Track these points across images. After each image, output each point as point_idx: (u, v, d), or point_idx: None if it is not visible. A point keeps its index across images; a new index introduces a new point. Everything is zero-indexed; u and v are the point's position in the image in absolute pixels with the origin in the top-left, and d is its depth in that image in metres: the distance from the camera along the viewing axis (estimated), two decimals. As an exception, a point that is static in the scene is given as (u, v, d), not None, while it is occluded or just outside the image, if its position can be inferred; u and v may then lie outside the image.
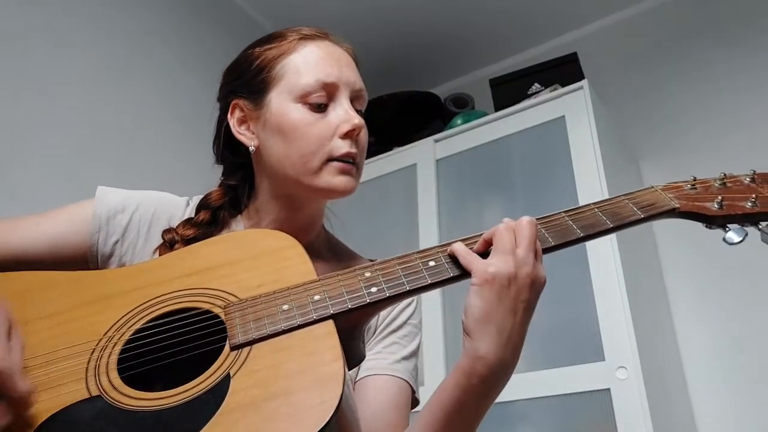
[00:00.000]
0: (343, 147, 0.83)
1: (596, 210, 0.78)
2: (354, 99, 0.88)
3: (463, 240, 0.75)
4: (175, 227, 0.88)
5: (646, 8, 2.65)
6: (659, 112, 2.46)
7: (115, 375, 0.65)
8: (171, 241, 0.85)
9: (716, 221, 0.76)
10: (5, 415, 0.58)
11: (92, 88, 1.91)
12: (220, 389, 0.61)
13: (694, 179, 0.80)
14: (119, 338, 0.68)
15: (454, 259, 0.73)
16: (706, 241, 2.18)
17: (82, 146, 1.82)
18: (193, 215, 0.90)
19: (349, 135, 0.84)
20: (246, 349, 0.65)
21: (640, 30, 2.64)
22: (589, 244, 1.87)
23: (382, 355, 0.86)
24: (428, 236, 2.22)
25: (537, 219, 0.75)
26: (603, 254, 1.83)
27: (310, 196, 0.87)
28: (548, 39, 2.83)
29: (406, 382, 0.87)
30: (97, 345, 0.68)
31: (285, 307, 0.68)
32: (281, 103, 0.85)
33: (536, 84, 2.29)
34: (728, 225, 0.76)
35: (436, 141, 2.38)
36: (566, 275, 1.85)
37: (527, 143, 2.18)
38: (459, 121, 2.42)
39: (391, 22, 2.72)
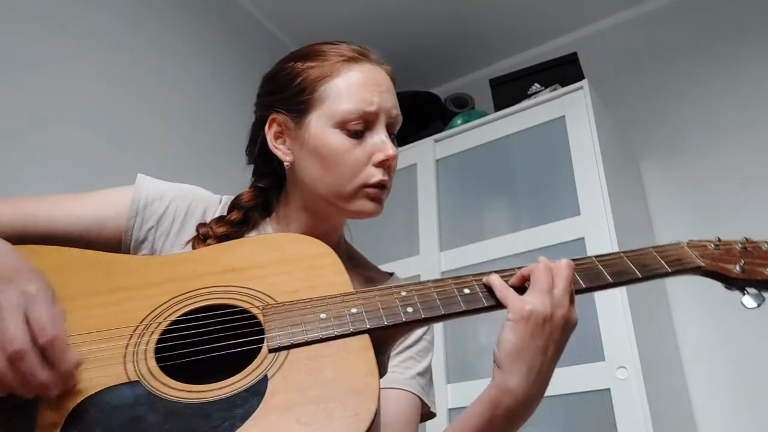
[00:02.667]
0: (377, 175, 0.86)
1: (625, 258, 0.81)
2: (390, 124, 0.90)
3: (498, 272, 0.77)
4: (208, 223, 0.90)
5: (646, 9, 2.66)
6: (659, 112, 2.46)
7: (153, 363, 0.66)
8: (205, 235, 0.88)
9: (736, 284, 0.81)
10: (55, 386, 0.59)
11: (105, 87, 1.91)
12: (258, 389, 0.62)
13: (718, 240, 0.86)
14: (156, 327, 0.69)
15: (489, 289, 0.76)
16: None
17: (96, 144, 1.82)
18: (225, 213, 0.93)
19: (383, 164, 0.87)
20: (283, 353, 0.66)
21: (640, 30, 2.65)
22: (589, 244, 1.87)
23: (399, 369, 0.88)
24: (428, 236, 2.22)
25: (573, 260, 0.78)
26: (603, 254, 1.83)
27: (340, 215, 0.91)
28: (548, 39, 2.83)
29: (418, 397, 0.89)
30: (134, 331, 0.69)
31: (323, 316, 0.69)
32: (320, 127, 0.87)
33: (536, 84, 2.29)
34: (747, 288, 0.80)
35: (436, 141, 2.38)
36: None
37: (527, 143, 2.18)
38: (459, 121, 2.42)
39: (391, 22, 2.72)
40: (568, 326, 0.73)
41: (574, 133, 2.06)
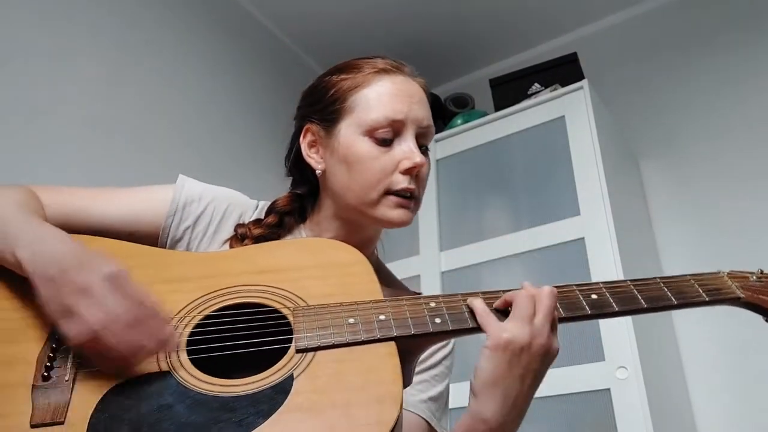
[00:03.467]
0: (402, 182, 0.87)
1: (661, 284, 0.80)
2: (420, 135, 0.91)
3: (484, 294, 0.76)
4: (246, 224, 0.93)
5: (646, 8, 2.66)
6: (659, 112, 2.46)
7: (184, 356, 0.68)
8: (243, 236, 0.90)
9: None
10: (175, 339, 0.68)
11: (105, 86, 1.91)
12: (283, 388, 0.64)
13: (761, 272, 0.83)
14: (190, 321, 0.72)
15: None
16: (707, 242, 2.19)
17: (96, 142, 1.83)
18: (261, 217, 0.95)
19: (409, 172, 0.88)
20: (310, 354, 0.67)
21: (640, 30, 2.64)
22: (589, 244, 1.87)
23: (411, 391, 0.88)
24: (428, 236, 2.22)
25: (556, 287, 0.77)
26: (603, 254, 1.83)
27: (368, 224, 0.92)
28: (548, 39, 2.83)
29: (427, 422, 0.89)
30: None
31: (351, 320, 0.71)
32: (349, 134, 0.89)
33: (536, 84, 2.30)
34: None
35: (436, 141, 2.38)
36: (566, 276, 1.85)
37: (527, 143, 2.18)
38: (459, 121, 2.42)
39: (390, 22, 2.72)
40: (548, 356, 0.72)
41: (574, 133, 2.06)
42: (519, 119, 2.21)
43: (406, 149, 0.88)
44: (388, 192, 0.87)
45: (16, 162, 1.62)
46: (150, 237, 0.89)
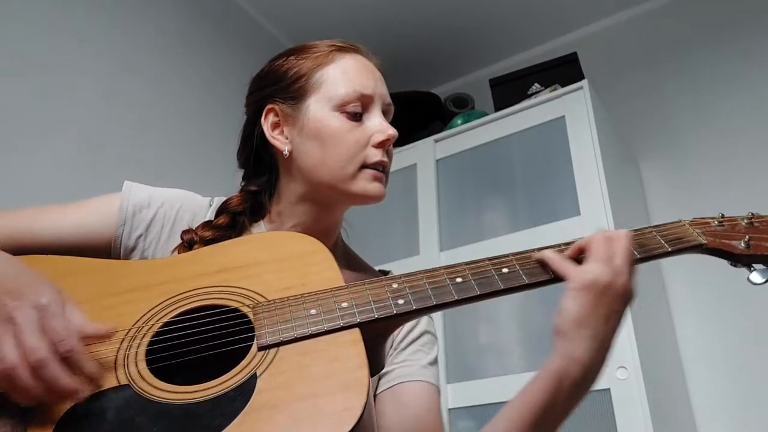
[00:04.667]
0: (376, 155, 0.87)
1: None
2: (384, 111, 0.92)
3: (548, 248, 0.76)
4: (194, 228, 0.89)
5: (646, 9, 2.66)
6: (659, 112, 2.46)
7: (143, 366, 0.66)
8: (190, 242, 0.86)
9: (742, 260, 0.78)
10: (82, 389, 0.60)
11: (104, 88, 1.91)
12: (247, 388, 0.62)
13: (722, 216, 0.82)
14: (148, 330, 0.69)
15: (482, 277, 0.73)
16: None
17: (91, 146, 1.83)
18: (213, 217, 0.92)
19: (383, 144, 0.88)
20: (273, 350, 0.66)
21: (640, 30, 2.65)
22: (589, 244, 1.87)
23: (408, 363, 0.88)
24: (428, 236, 2.22)
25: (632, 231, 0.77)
26: (603, 254, 1.83)
27: (344, 201, 0.90)
28: (548, 39, 2.83)
29: (435, 386, 0.89)
30: (126, 335, 0.69)
31: (312, 311, 0.69)
32: (320, 110, 0.88)
33: (536, 84, 2.29)
34: (753, 265, 0.77)
35: (436, 141, 2.38)
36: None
37: (527, 143, 2.18)
38: (459, 121, 2.42)
39: (391, 22, 2.72)
40: (627, 296, 0.73)
41: (574, 133, 2.06)
42: (519, 119, 2.21)
43: (377, 123, 0.89)
44: (364, 166, 0.87)
45: (10, 168, 1.63)
46: (103, 250, 0.86)
